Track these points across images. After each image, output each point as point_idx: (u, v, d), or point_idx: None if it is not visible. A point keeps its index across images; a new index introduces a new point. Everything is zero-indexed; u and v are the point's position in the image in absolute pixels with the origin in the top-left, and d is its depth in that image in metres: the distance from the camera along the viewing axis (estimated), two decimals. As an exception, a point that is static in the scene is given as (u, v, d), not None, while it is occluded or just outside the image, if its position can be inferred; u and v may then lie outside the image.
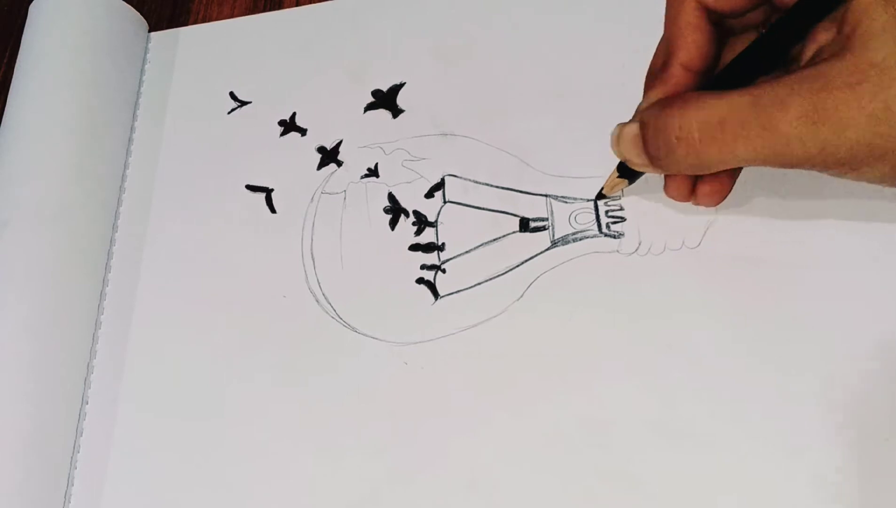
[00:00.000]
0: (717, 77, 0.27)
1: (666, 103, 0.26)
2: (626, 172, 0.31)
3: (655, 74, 0.29)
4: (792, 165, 0.24)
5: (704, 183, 0.29)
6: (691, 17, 0.27)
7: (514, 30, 0.40)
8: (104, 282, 0.39)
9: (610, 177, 0.32)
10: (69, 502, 0.34)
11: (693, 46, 0.27)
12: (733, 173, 0.29)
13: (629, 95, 0.36)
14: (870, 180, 0.25)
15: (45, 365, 0.35)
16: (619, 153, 0.29)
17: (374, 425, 0.33)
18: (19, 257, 0.36)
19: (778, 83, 0.24)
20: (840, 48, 0.23)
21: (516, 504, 0.31)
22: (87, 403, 0.36)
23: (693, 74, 0.27)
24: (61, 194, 0.37)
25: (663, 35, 0.29)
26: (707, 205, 0.30)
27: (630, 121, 0.28)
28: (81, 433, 0.36)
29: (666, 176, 0.30)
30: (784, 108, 0.23)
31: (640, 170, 0.29)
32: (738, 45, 0.28)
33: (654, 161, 0.27)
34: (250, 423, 0.35)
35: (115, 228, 0.40)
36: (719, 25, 0.28)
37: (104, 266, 0.39)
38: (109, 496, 0.34)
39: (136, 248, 0.39)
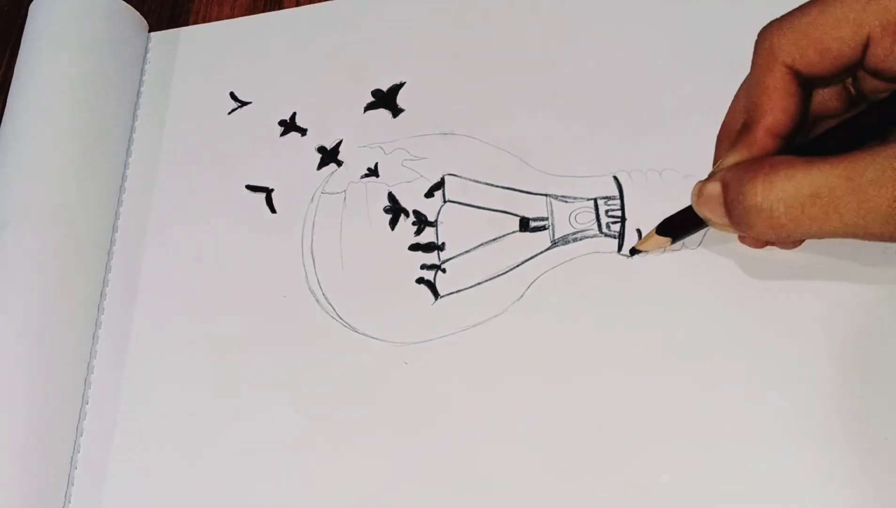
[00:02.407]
0: (807, 145, 0.26)
1: (749, 167, 0.25)
2: (669, 233, 0.31)
3: (737, 135, 0.27)
4: (882, 241, 0.24)
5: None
6: (781, 81, 0.26)
7: (514, 29, 0.40)
8: (104, 282, 0.39)
9: (648, 235, 0.32)
10: (69, 502, 0.34)
11: (781, 112, 0.26)
12: None
13: (629, 95, 0.36)
14: None
15: (45, 365, 0.35)
16: (699, 212, 0.28)
17: (374, 425, 0.33)
18: (19, 257, 0.36)
19: (874, 158, 0.22)
20: None
21: (516, 503, 0.31)
22: (87, 403, 0.36)
23: (779, 139, 0.26)
24: (61, 194, 0.37)
25: (746, 94, 0.27)
26: (786, 249, 0.30)
27: (710, 179, 0.27)
28: (81, 433, 0.36)
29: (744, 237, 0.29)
30: (881, 187, 0.22)
31: (721, 230, 0.28)
32: (827, 95, 0.27)
33: (737, 226, 0.26)
34: (250, 423, 0.35)
35: (115, 228, 0.40)
36: (807, 88, 0.26)
37: (104, 266, 0.39)
38: (109, 496, 0.34)
39: (136, 248, 0.39)
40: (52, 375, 0.35)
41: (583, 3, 0.39)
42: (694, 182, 0.34)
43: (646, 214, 0.34)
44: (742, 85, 0.29)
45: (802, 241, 0.30)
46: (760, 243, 0.30)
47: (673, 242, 0.32)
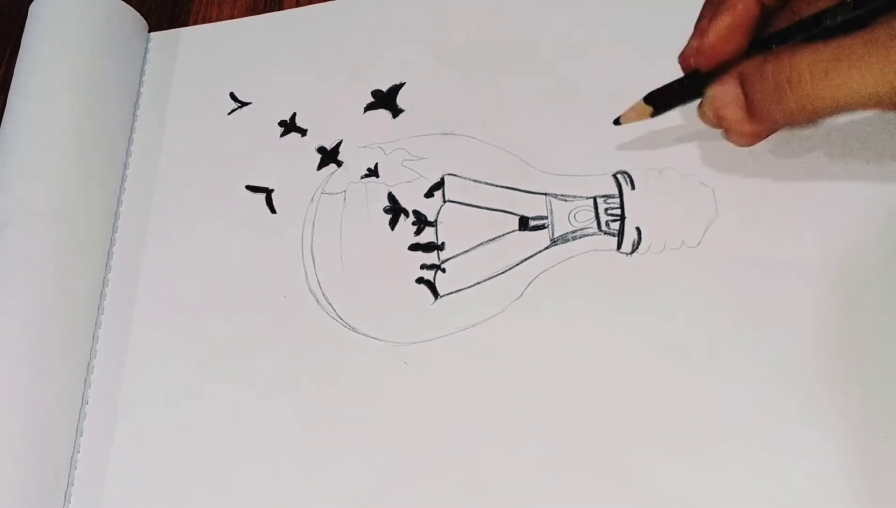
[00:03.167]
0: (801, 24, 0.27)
1: (769, 56, 0.27)
2: (657, 106, 0.31)
3: (715, 5, 0.29)
4: None
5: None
6: None
7: (514, 29, 0.40)
8: (104, 282, 0.39)
9: (635, 106, 0.32)
10: (69, 502, 0.34)
11: None
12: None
13: (629, 95, 0.36)
14: None
15: (45, 365, 0.35)
16: (712, 115, 0.29)
17: (373, 424, 0.33)
18: (19, 257, 0.36)
19: (891, 23, 0.24)
20: None
21: (516, 503, 0.31)
22: (87, 403, 0.36)
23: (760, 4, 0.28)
24: (61, 194, 0.37)
25: None
26: (738, 143, 0.30)
27: (721, 80, 0.28)
28: (81, 433, 0.36)
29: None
30: None
31: (738, 127, 0.29)
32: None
33: (760, 116, 0.27)
34: (250, 423, 0.35)
35: (115, 228, 0.40)
36: None
37: (104, 266, 0.39)
38: (109, 496, 0.34)
39: (136, 248, 0.39)
40: (52, 375, 0.35)
41: (583, 3, 0.39)
42: (693, 181, 0.34)
43: (645, 212, 0.34)
44: None
45: (761, 138, 0.30)
46: (752, 134, 0.30)
47: (654, 115, 0.32)
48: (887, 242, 0.32)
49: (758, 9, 0.28)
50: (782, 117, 0.27)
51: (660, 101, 0.32)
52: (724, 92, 0.28)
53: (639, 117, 0.33)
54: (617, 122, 0.34)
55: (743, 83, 0.28)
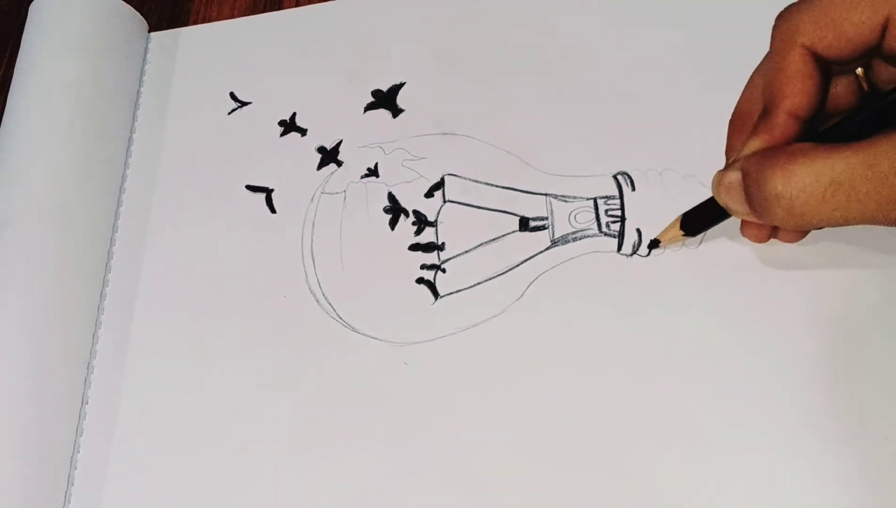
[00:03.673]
0: (826, 132, 0.26)
1: (768, 155, 0.25)
2: (691, 229, 0.31)
3: (757, 120, 0.27)
4: None
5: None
6: (800, 63, 0.26)
7: (514, 29, 0.40)
8: (104, 282, 0.39)
9: (670, 227, 0.32)
10: (69, 502, 0.34)
11: (802, 94, 0.26)
12: None
13: (629, 95, 0.36)
14: None
15: (45, 365, 0.35)
16: (720, 200, 0.28)
17: (373, 425, 0.33)
18: (19, 257, 0.36)
19: (892, 146, 0.23)
20: None
21: (516, 503, 0.31)
22: (87, 403, 0.36)
23: (800, 122, 0.26)
24: (61, 194, 0.37)
25: (764, 79, 0.27)
26: (788, 242, 0.30)
27: (730, 168, 0.27)
28: (81, 433, 0.36)
29: (743, 222, 0.30)
30: None
31: (743, 218, 0.28)
32: (839, 89, 0.28)
33: (757, 214, 0.26)
34: (250, 423, 0.35)
35: (115, 228, 0.40)
36: (825, 71, 0.26)
37: (104, 266, 0.39)
38: (109, 496, 0.34)
39: (136, 248, 0.39)
40: (52, 375, 0.35)
41: (583, 4, 0.39)
42: (694, 182, 0.34)
43: (645, 213, 0.34)
44: (757, 69, 0.28)
45: (807, 233, 0.30)
46: (763, 235, 0.30)
47: (693, 235, 0.31)
48: (887, 242, 0.32)
49: (797, 128, 0.26)
50: (779, 223, 0.26)
51: (694, 224, 0.31)
52: (728, 180, 0.27)
53: (679, 240, 0.33)
54: (655, 244, 0.34)
55: (744, 177, 0.26)
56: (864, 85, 0.28)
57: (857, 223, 0.24)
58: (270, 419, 0.34)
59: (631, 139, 0.36)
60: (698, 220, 0.31)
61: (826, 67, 0.26)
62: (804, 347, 0.31)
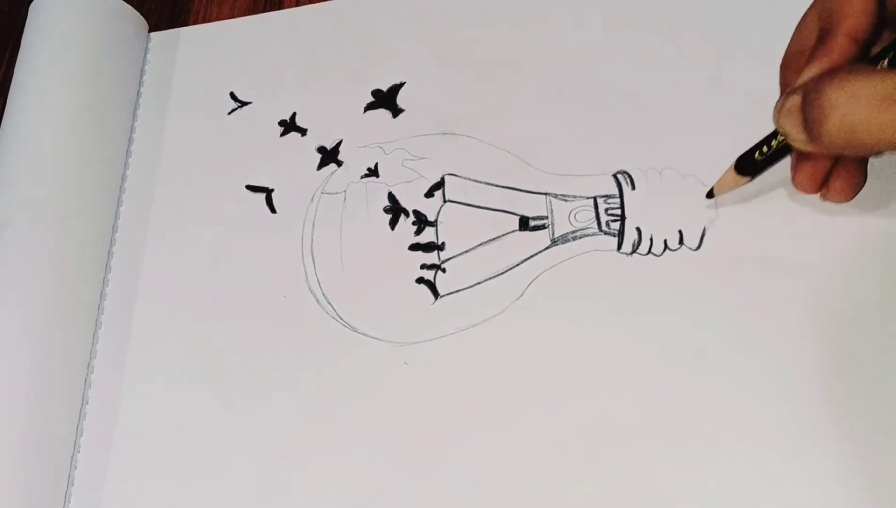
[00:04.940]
0: (877, 56, 0.26)
1: (828, 74, 0.25)
2: (747, 169, 0.30)
3: (812, 48, 0.27)
4: None
5: (838, 176, 0.29)
6: None
7: (514, 29, 0.40)
8: (104, 282, 0.39)
9: (726, 174, 0.31)
10: (69, 502, 0.34)
11: (861, 14, 0.26)
12: (865, 167, 0.29)
13: (629, 95, 0.36)
14: None
15: (45, 365, 0.35)
16: (779, 126, 0.28)
17: (374, 425, 0.33)
18: (19, 257, 0.36)
19: None
20: None
21: (517, 503, 0.31)
22: (87, 403, 0.36)
23: (859, 44, 0.26)
24: (61, 194, 0.37)
25: (821, 5, 0.27)
26: (838, 201, 0.29)
27: (791, 92, 0.27)
28: (81, 433, 0.36)
29: (796, 165, 0.29)
30: None
31: (800, 146, 0.27)
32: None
33: (814, 138, 0.26)
34: (250, 423, 0.34)
35: (115, 228, 0.40)
36: None
37: (104, 266, 0.39)
38: (109, 496, 0.34)
39: (136, 248, 0.39)
40: (52, 375, 0.35)
41: (583, 3, 0.39)
42: (693, 181, 0.34)
43: (645, 213, 0.34)
44: (810, 9, 0.28)
45: (858, 190, 0.29)
46: (816, 182, 0.29)
47: (752, 178, 0.31)
48: (887, 242, 0.32)
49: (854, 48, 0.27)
50: (829, 146, 0.26)
51: (752, 166, 0.30)
52: (790, 103, 0.27)
53: (735, 186, 0.32)
54: (710, 194, 0.33)
55: (803, 100, 0.26)
56: None
57: None
58: (270, 419, 0.34)
59: (631, 139, 0.36)
60: (754, 160, 0.30)
61: None
62: (804, 346, 0.31)
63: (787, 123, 0.27)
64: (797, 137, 0.27)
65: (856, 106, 0.24)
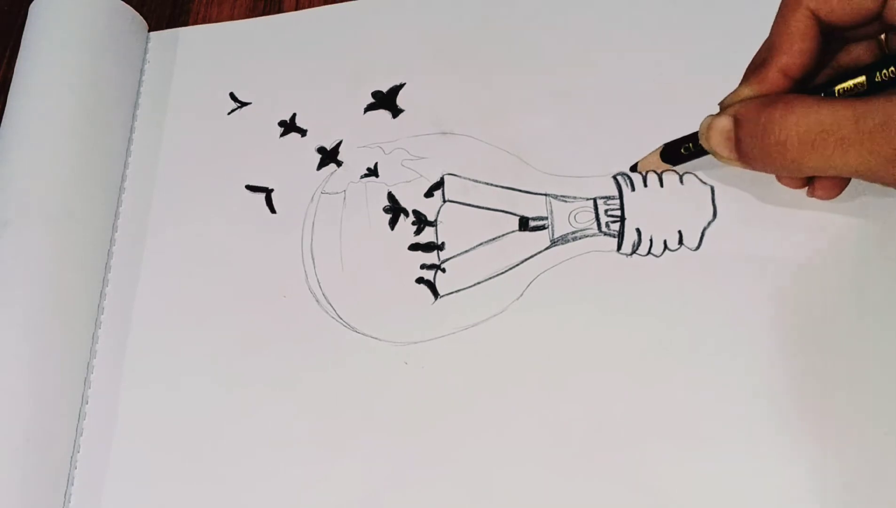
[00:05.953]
0: (822, 85, 0.28)
1: (767, 103, 0.27)
2: (671, 158, 0.32)
3: (751, 69, 0.29)
4: (883, 183, 0.25)
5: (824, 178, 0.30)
6: (802, 24, 0.27)
7: (514, 29, 0.40)
8: (104, 282, 0.39)
9: (651, 155, 0.33)
10: (69, 502, 0.34)
11: (797, 54, 0.27)
12: None
13: (629, 95, 0.36)
14: None
15: (45, 365, 0.35)
16: (707, 146, 0.29)
17: (374, 425, 0.33)
18: (19, 257, 0.36)
19: (882, 105, 0.24)
20: None
21: (517, 503, 0.31)
22: (87, 403, 0.36)
23: (790, 80, 0.28)
24: (61, 194, 0.37)
25: (769, 36, 0.29)
26: (822, 198, 0.31)
27: (722, 113, 0.28)
28: (81, 433, 0.36)
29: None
30: (885, 132, 0.24)
31: (728, 164, 0.29)
32: (859, 52, 0.29)
33: (746, 160, 0.28)
34: (250, 423, 0.34)
35: (115, 228, 0.40)
36: (829, 36, 0.28)
37: (104, 266, 0.39)
38: (109, 496, 0.34)
39: (136, 248, 0.39)
40: (52, 375, 0.35)
41: (583, 3, 0.39)
42: (693, 181, 0.34)
43: (645, 213, 0.34)
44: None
45: (843, 188, 0.31)
46: (800, 182, 0.31)
47: (673, 165, 0.32)
48: (886, 241, 0.32)
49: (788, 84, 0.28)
50: (769, 171, 0.28)
51: (674, 156, 0.33)
52: (719, 127, 0.28)
53: (657, 168, 0.34)
54: (634, 168, 0.35)
55: (736, 124, 0.28)
56: (885, 49, 0.29)
57: (843, 174, 0.26)
58: (270, 419, 0.34)
59: (631, 139, 0.36)
60: (680, 153, 0.32)
61: (830, 31, 0.27)
62: (804, 346, 0.31)
63: (716, 144, 0.28)
64: (726, 157, 0.28)
65: (794, 140, 0.25)
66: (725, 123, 0.28)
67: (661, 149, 0.33)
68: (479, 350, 0.34)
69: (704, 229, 0.33)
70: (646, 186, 0.35)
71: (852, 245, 0.32)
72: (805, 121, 0.25)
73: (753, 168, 0.28)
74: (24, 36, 0.41)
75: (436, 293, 0.35)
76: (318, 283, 0.37)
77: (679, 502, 0.30)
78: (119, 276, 0.39)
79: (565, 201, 0.36)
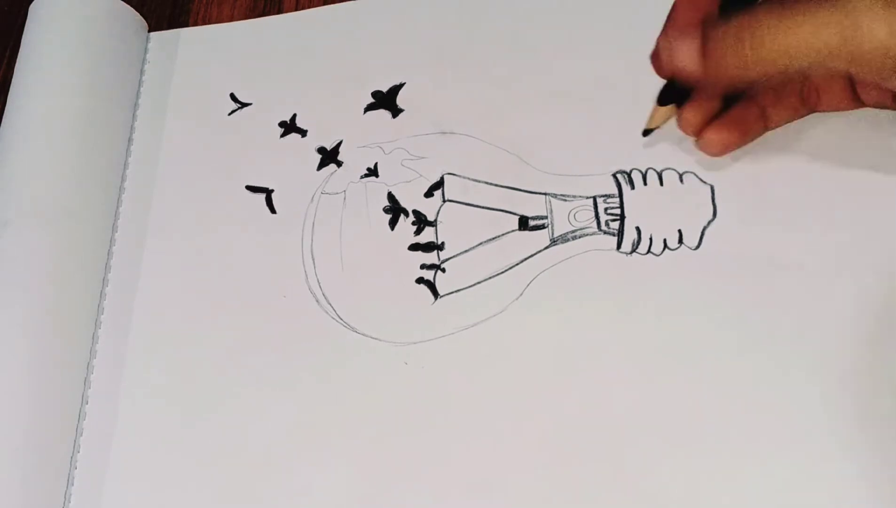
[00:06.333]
0: None
1: (734, 17, 0.28)
2: (671, 98, 0.32)
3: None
4: (834, 63, 0.26)
5: (713, 129, 0.32)
6: None
7: (514, 29, 0.40)
8: (104, 282, 0.39)
9: (654, 112, 0.33)
10: (69, 502, 0.34)
11: None
12: (744, 130, 0.32)
13: (629, 95, 0.36)
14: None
15: (45, 365, 0.35)
16: (671, 66, 0.30)
17: (374, 425, 0.33)
18: (19, 257, 0.36)
19: None
20: None
21: (517, 502, 0.31)
22: (87, 403, 0.36)
23: None
24: (61, 194, 0.37)
25: None
26: (709, 152, 0.32)
27: (681, 31, 0.29)
28: (81, 433, 0.36)
29: (686, 106, 0.32)
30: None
31: (691, 79, 0.30)
32: None
33: (713, 63, 0.28)
34: (250, 423, 0.35)
35: (115, 228, 0.40)
36: None
37: (104, 266, 0.39)
38: (109, 496, 0.34)
39: (136, 248, 0.39)
40: (52, 375, 0.35)
41: (583, 3, 0.39)
42: (693, 181, 0.34)
43: (645, 212, 0.34)
44: None
45: (727, 149, 0.32)
46: (698, 123, 0.32)
47: (678, 106, 0.32)
48: (887, 240, 0.32)
49: None
50: (736, 68, 0.28)
51: (671, 95, 0.32)
52: (685, 39, 0.29)
53: (665, 118, 0.33)
54: (646, 133, 0.34)
55: (704, 35, 0.29)
56: None
57: (814, 54, 0.26)
58: (270, 420, 0.34)
59: (631, 139, 0.36)
60: (675, 93, 0.32)
61: None
62: (802, 346, 0.31)
63: (683, 57, 0.29)
64: (693, 69, 0.29)
65: (769, 29, 0.27)
66: (693, 36, 0.29)
67: (656, 106, 0.33)
68: (479, 350, 0.34)
69: (704, 229, 0.33)
70: (645, 184, 0.35)
71: (852, 245, 0.32)
72: (772, 12, 0.27)
73: (720, 77, 0.29)
74: (24, 36, 0.41)
75: (436, 293, 0.35)
76: (318, 283, 0.37)
77: (679, 501, 0.30)
78: (119, 276, 0.39)
79: (565, 200, 0.36)
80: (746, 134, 0.33)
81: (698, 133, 0.32)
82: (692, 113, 0.32)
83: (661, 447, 0.31)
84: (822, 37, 0.26)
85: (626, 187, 0.35)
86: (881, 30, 0.25)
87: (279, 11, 0.44)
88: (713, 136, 0.32)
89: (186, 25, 0.45)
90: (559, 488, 0.31)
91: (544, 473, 0.31)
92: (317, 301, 0.36)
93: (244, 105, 0.42)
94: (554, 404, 0.32)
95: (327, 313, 0.36)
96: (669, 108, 0.32)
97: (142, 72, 0.44)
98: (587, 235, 0.35)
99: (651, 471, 0.30)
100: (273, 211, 0.39)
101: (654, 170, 0.35)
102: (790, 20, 0.26)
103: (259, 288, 0.37)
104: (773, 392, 0.30)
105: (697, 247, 0.33)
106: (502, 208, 0.36)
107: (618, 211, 0.35)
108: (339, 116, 0.40)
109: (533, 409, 0.32)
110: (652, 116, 0.33)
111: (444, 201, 0.37)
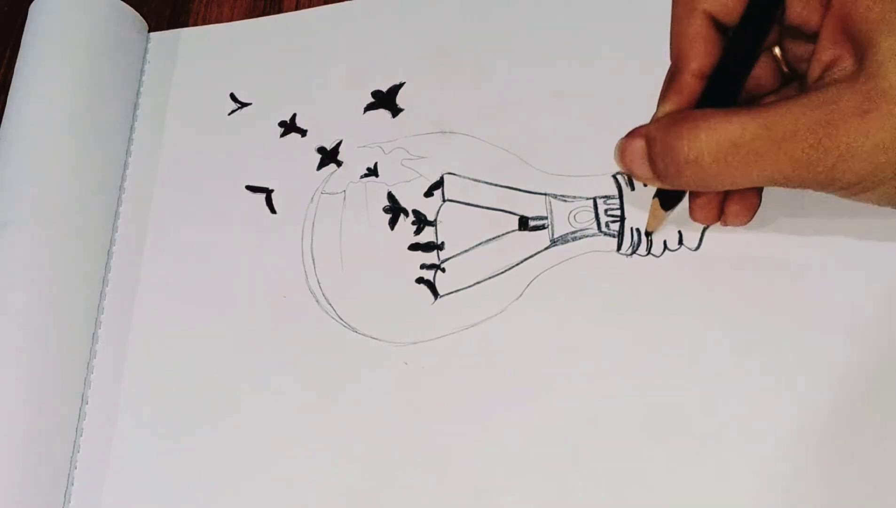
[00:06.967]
0: (710, 84, 0.28)
1: (673, 122, 0.26)
2: (668, 204, 0.31)
3: (664, 85, 0.29)
4: (801, 187, 0.25)
5: (733, 202, 0.30)
6: (701, 27, 0.27)
7: (514, 29, 0.40)
8: (104, 282, 0.39)
9: (652, 213, 0.32)
10: (69, 502, 0.34)
11: (704, 55, 0.27)
12: (759, 189, 0.30)
13: (629, 95, 0.36)
14: (874, 202, 0.25)
15: (45, 365, 0.35)
16: (623, 167, 0.28)
17: (374, 425, 0.33)
18: (19, 257, 0.36)
19: (788, 110, 0.24)
20: (849, 73, 0.24)
21: (517, 502, 0.31)
22: (87, 403, 0.36)
23: (705, 78, 0.28)
24: (61, 194, 0.37)
25: (671, 48, 0.29)
26: (737, 225, 0.30)
27: (633, 135, 0.28)
28: (81, 433, 0.36)
29: (691, 202, 0.30)
30: (795, 137, 0.24)
31: (648, 183, 0.28)
32: (760, 71, 0.29)
33: (663, 179, 0.27)
34: (250, 423, 0.35)
35: (115, 228, 0.40)
36: (726, 34, 0.28)
37: (104, 266, 0.39)
38: (109, 496, 0.34)
39: (136, 248, 0.39)
40: (52, 375, 0.35)
41: (583, 3, 0.39)
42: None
43: (645, 214, 0.34)
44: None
45: (754, 211, 0.30)
46: (712, 214, 0.30)
47: (671, 208, 0.31)
48: (886, 242, 0.32)
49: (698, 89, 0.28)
50: (686, 188, 0.28)
51: (668, 199, 0.31)
52: (633, 147, 0.28)
53: (662, 220, 0.33)
54: (648, 233, 0.34)
55: (648, 145, 0.27)
56: (784, 67, 0.29)
57: (760, 184, 0.26)
58: (270, 420, 0.34)
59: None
60: (669, 195, 0.31)
61: (726, 30, 0.27)
62: (802, 348, 0.31)
63: (632, 165, 0.28)
64: (643, 176, 0.28)
65: (706, 157, 0.25)
66: (638, 143, 0.27)
67: (656, 204, 0.31)
68: (479, 350, 0.34)
69: (704, 230, 0.33)
70: (646, 185, 0.35)
71: (852, 245, 0.32)
72: (715, 136, 0.25)
73: (673, 187, 0.28)
74: (24, 36, 0.41)
75: (436, 293, 0.35)
76: (318, 283, 0.37)
77: (678, 501, 0.30)
78: (119, 276, 0.39)
79: (565, 201, 0.36)
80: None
81: (718, 218, 0.30)
82: (701, 207, 0.30)
83: (661, 446, 0.31)
84: (767, 177, 0.25)
85: (626, 188, 0.35)
86: (813, 173, 0.24)
87: (279, 11, 0.44)
88: (736, 209, 0.30)
89: (186, 25, 0.45)
90: (559, 487, 0.31)
91: (544, 473, 0.31)
92: (317, 301, 0.36)
93: (244, 105, 0.42)
94: (553, 404, 0.32)
95: (327, 313, 0.36)
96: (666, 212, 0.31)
97: (142, 72, 0.44)
98: (587, 236, 0.35)
99: (650, 471, 0.30)
100: (273, 211, 0.39)
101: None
102: (734, 157, 0.25)
103: (259, 288, 0.37)
104: (774, 393, 0.30)
105: (697, 248, 0.33)
106: (502, 208, 0.36)
107: (618, 212, 0.35)
108: (338, 116, 0.40)
109: (532, 409, 0.32)
110: (652, 219, 0.32)
111: (443, 200, 0.37)
